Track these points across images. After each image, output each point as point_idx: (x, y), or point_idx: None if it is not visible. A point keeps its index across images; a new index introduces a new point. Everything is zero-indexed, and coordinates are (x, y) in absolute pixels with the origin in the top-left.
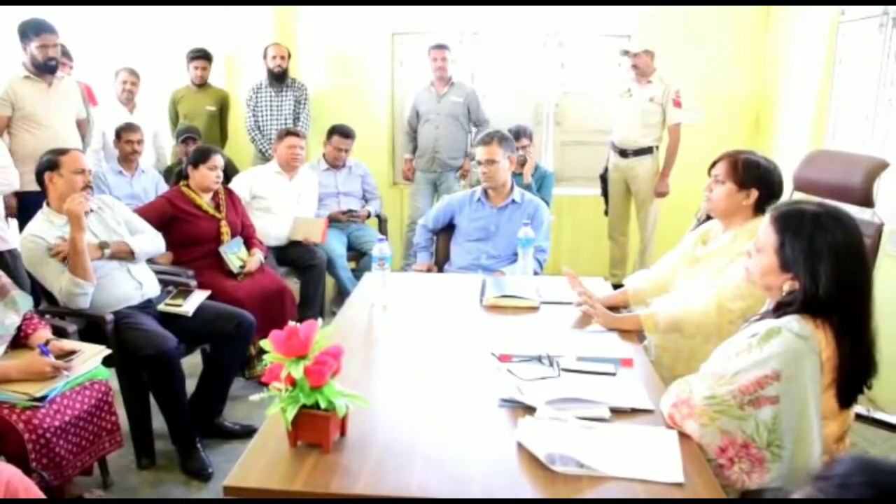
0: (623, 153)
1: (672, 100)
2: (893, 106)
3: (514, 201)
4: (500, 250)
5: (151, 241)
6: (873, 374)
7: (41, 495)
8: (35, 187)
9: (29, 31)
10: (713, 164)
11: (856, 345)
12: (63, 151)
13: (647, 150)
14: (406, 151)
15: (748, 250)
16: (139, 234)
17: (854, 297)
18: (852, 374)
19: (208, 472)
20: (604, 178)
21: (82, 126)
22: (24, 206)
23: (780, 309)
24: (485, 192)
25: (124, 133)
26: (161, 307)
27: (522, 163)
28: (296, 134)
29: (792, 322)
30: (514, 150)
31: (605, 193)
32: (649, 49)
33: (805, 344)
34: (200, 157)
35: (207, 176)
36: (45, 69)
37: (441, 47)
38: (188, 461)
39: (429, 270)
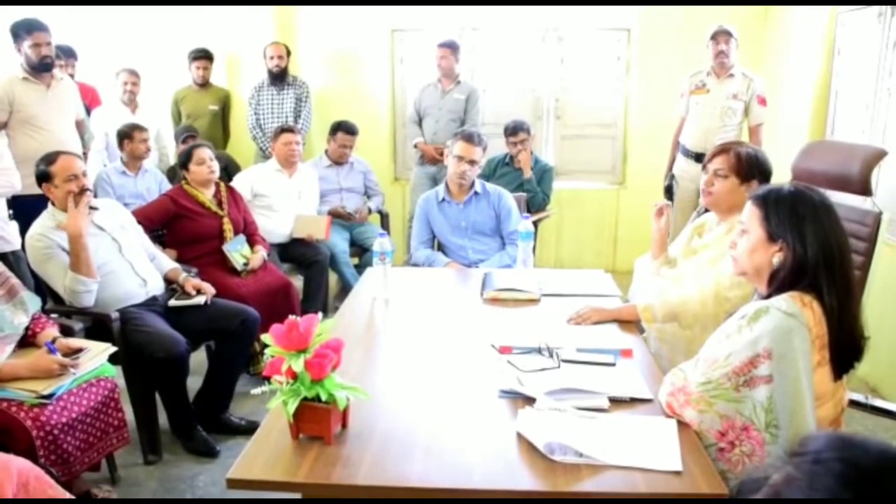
0: (697, 158)
1: (757, 96)
2: (893, 95)
3: (476, 193)
4: (482, 243)
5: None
6: (864, 346)
7: (52, 483)
8: (34, 191)
9: (20, 30)
10: (709, 159)
11: (843, 314)
12: (52, 160)
13: None
14: (418, 136)
15: (733, 241)
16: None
17: (839, 260)
18: (843, 347)
19: (216, 450)
20: (669, 190)
21: (81, 127)
22: (24, 210)
23: (772, 284)
24: (448, 190)
25: (137, 133)
26: (172, 303)
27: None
28: (290, 130)
29: (780, 301)
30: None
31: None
32: (733, 34)
33: (794, 321)
34: (186, 159)
35: (200, 171)
36: (41, 68)
37: (448, 46)
38: (192, 444)
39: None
